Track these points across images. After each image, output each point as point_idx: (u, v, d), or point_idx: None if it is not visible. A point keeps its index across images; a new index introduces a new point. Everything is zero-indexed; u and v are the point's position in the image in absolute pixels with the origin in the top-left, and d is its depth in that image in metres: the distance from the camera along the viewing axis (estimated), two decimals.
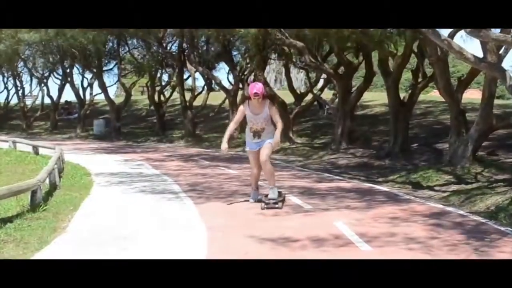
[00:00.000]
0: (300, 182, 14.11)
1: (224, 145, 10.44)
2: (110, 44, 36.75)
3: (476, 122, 15.01)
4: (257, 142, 10.23)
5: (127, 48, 37.65)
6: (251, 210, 9.79)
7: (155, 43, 32.93)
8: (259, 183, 10.84)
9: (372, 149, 20.72)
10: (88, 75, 43.13)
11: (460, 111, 15.84)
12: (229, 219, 9.00)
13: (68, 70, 43.04)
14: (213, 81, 33.82)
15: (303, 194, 11.81)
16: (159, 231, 8.24)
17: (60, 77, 44.94)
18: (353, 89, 24.15)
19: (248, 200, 10.72)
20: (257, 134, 10.20)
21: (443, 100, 18.31)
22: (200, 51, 31.67)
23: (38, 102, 50.26)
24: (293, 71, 31.81)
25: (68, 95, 48.20)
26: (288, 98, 28.37)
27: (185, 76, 36.77)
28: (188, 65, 33.26)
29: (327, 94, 33.12)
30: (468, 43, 42.04)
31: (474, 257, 6.52)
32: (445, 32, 15.17)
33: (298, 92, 31.03)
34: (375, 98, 32.49)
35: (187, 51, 32.36)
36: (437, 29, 12.83)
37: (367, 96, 27.82)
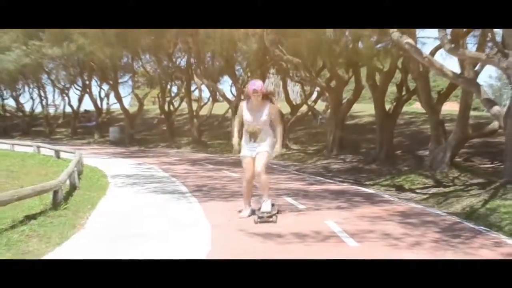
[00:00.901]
0: (295, 185, 14.14)
1: (235, 139, 9.05)
2: (125, 59, 36.76)
3: (454, 132, 15.08)
4: (253, 146, 8.73)
5: (140, 63, 37.67)
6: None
7: (166, 58, 32.96)
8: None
9: (360, 155, 20.76)
10: (105, 87, 43.26)
11: (439, 122, 15.91)
12: (230, 217, 9.03)
13: (87, 82, 43.10)
14: (217, 93, 33.85)
15: (298, 195, 11.83)
16: (168, 228, 8.26)
17: (80, 88, 44.95)
18: (344, 101, 24.22)
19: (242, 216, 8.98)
20: (253, 136, 8.72)
21: (424, 111, 18.35)
22: (206, 66, 31.68)
23: (60, 110, 50.37)
24: (290, 84, 31.79)
25: (87, 105, 48.14)
26: (285, 109, 28.37)
27: (192, 88, 36.82)
28: (195, 78, 33.35)
29: (320, 105, 33.14)
30: (447, 60, 42.12)
31: (450, 253, 6.56)
32: (426, 50, 15.27)
33: (294, 103, 31.05)
34: (363, 109, 32.52)
35: (194, 65, 32.40)
36: (419, 48, 12.91)
37: (356, 107, 27.85)
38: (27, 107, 52.53)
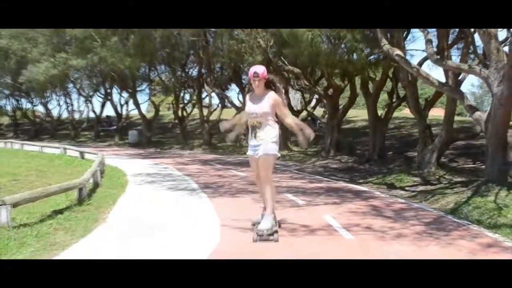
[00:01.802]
0: (295, 183, 14.15)
1: (226, 123, 7.51)
2: (143, 69, 36.82)
3: (439, 135, 15.08)
4: (255, 145, 6.90)
5: (156, 73, 37.74)
6: (256, 205, 9.84)
7: (179, 68, 33.01)
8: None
9: (355, 156, 20.75)
10: (125, 94, 43.29)
11: (426, 126, 15.90)
12: (237, 211, 9.05)
13: (108, 90, 43.23)
14: (225, 100, 33.87)
15: (298, 192, 11.85)
16: (181, 221, 8.30)
17: (102, 96, 45.10)
18: (340, 107, 24.21)
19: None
20: (253, 131, 6.94)
21: (413, 116, 18.34)
22: (215, 75, 31.73)
23: (84, 116, 50.51)
24: (291, 92, 31.77)
25: (109, 111, 48.27)
26: None
27: (203, 96, 36.84)
28: (205, 86, 33.36)
29: (319, 111, 33.19)
30: (433, 70, 42.03)
31: (434, 243, 6.58)
32: (414, 61, 15.27)
33: (295, 109, 31.06)
34: (358, 115, 32.52)
35: (205, 75, 32.44)
36: (408, 59, 12.92)
37: (351, 113, 27.83)
38: (55, 113, 52.73)
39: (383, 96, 23.69)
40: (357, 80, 22.12)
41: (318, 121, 29.87)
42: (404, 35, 16.49)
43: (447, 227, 7.69)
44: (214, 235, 7.03)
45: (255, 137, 6.93)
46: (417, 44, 60.38)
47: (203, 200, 10.61)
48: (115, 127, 43.84)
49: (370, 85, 20.78)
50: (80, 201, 9.77)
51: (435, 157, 14.54)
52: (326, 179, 15.68)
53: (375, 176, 15.63)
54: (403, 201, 10.88)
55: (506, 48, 10.78)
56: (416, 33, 16.68)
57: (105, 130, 46.51)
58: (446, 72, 13.50)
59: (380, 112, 21.16)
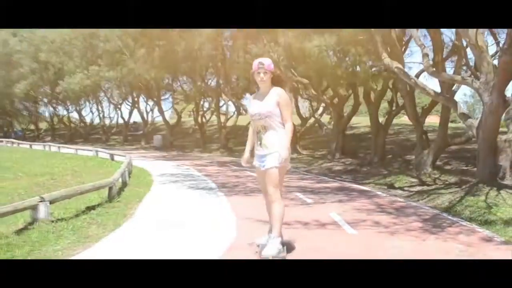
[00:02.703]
0: (304, 183, 14.14)
1: (246, 154, 5.68)
2: (167, 80, 36.99)
3: (435, 140, 15.02)
4: (261, 155, 5.33)
5: (179, 83, 37.91)
6: None
7: (199, 79, 33.12)
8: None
9: (358, 159, 20.67)
10: (150, 103, 43.54)
11: (423, 132, 15.83)
12: (250, 208, 9.06)
13: (136, 99, 43.49)
14: (241, 108, 33.93)
15: (306, 192, 11.84)
16: (201, 216, 8.33)
17: (130, 104, 45.36)
18: (344, 114, 24.16)
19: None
20: (258, 136, 5.36)
21: (411, 123, 18.24)
22: (232, 85, 31.78)
23: (113, 122, 50.87)
24: (300, 101, 31.75)
25: (136, 117, 48.47)
26: (296, 121, 28.41)
27: (220, 104, 36.95)
28: (223, 95, 33.47)
29: (325, 118, 33.13)
30: (429, 81, 41.81)
31: (432, 237, 6.55)
32: (412, 72, 15.20)
33: (304, 116, 31.06)
34: (361, 121, 32.39)
35: (222, 85, 32.52)
36: (406, 71, 12.87)
37: (354, 120, 27.72)
38: (88, 119, 53.20)
39: (384, 105, 23.59)
40: (360, 90, 22.06)
41: (325, 127, 29.79)
42: (402, 49, 16.44)
43: (442, 224, 7.65)
44: (231, 230, 7.04)
45: (260, 144, 5.29)
46: (415, 57, 60.06)
47: (220, 199, 10.63)
48: (141, 132, 44.07)
49: (372, 95, 20.71)
50: (110, 199, 9.85)
51: (431, 160, 14.46)
52: (331, 179, 15.64)
53: (376, 177, 15.57)
54: (402, 200, 10.83)
55: (495, 61, 10.74)
56: (414, 47, 16.64)
57: (132, 135, 46.78)
58: (441, 82, 13.43)
59: (381, 119, 21.11)
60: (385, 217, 8.29)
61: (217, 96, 34.20)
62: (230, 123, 35.36)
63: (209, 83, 34.69)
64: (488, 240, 6.53)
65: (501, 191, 9.47)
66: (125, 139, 44.57)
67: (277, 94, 5.24)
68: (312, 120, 30.59)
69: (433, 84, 76.57)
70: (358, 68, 18.69)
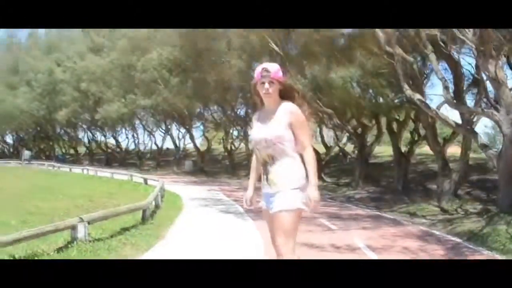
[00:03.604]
0: (329, 209, 14.03)
1: (249, 192, 4.01)
2: (198, 109, 37.44)
3: (457, 170, 14.79)
4: (268, 193, 3.70)
5: (210, 112, 38.33)
6: None
7: (229, 109, 33.45)
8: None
9: (381, 187, 20.46)
10: (182, 130, 44.03)
11: (445, 161, 15.61)
12: None
13: (169, 126, 44.07)
14: None
15: (331, 218, 11.76)
16: (230, 239, 8.35)
17: (163, 131, 45.97)
18: (368, 143, 24.03)
19: None
20: (265, 168, 3.71)
21: (432, 153, 18.04)
22: None
23: (147, 148, 51.52)
24: (325, 130, 31.73)
25: (168, 143, 48.99)
26: (321, 149, 28.37)
27: (249, 132, 37.11)
28: (251, 124, 33.68)
29: (349, 147, 32.94)
30: (450, 113, 41.27)
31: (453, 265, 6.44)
32: (434, 104, 15.11)
33: (328, 145, 30.97)
34: (383, 151, 32.03)
35: (251, 114, 32.74)
36: (427, 103, 12.81)
37: (377, 149, 27.50)
38: (123, 145, 53.97)
39: (406, 135, 23.36)
40: (383, 120, 21.96)
41: (349, 156, 29.64)
42: (423, 81, 16.38)
43: (464, 253, 7.51)
44: (259, 253, 7.04)
45: (267, 180, 3.66)
46: (436, 89, 59.52)
47: (248, 222, 10.64)
48: (173, 158, 44.50)
49: (395, 125, 20.61)
50: (144, 221, 9.95)
51: (453, 189, 14.24)
52: (355, 207, 15.51)
53: (399, 205, 15.37)
54: (423, 228, 10.67)
55: None
56: (435, 79, 16.58)
57: (165, 160, 47.24)
58: (462, 114, 13.31)
59: (404, 148, 20.92)
60: (407, 244, 8.18)
61: (246, 125, 34.41)
62: None
63: (238, 113, 34.97)
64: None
65: None
66: (158, 164, 45.00)
67: (289, 111, 3.54)
68: (336, 149, 30.48)
69: (454, 115, 75.38)
70: (381, 99, 18.67)
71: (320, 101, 21.24)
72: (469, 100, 15.85)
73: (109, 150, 54.17)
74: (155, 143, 47.93)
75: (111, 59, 34.23)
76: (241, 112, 35.46)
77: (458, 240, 8.90)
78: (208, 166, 40.02)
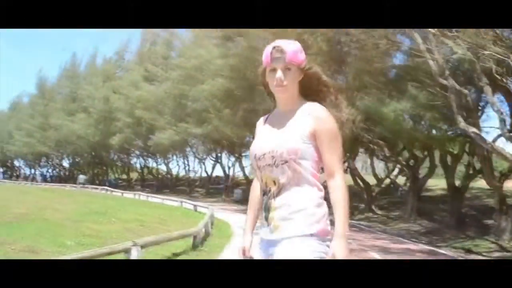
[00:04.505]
0: (379, 242, 13.83)
1: (245, 240, 2.71)
2: (248, 138, 37.80)
3: None
4: (269, 240, 2.37)
5: None
6: None
7: None
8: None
9: (434, 222, 19.95)
10: (232, 158, 44.51)
11: (502, 196, 15.13)
12: None
13: (219, 154, 44.68)
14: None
15: (381, 251, 11.60)
16: None
17: (213, 159, 46.60)
18: (420, 176, 23.56)
19: None
20: (265, 202, 2.32)
21: (488, 187, 17.50)
22: None
23: (197, 175, 52.28)
24: (375, 161, 31.36)
25: (218, 171, 49.55)
26: (371, 181, 28.05)
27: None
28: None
29: (401, 179, 32.32)
30: (507, 145, 39.84)
31: None
32: (489, 137, 14.73)
33: (379, 177, 30.53)
34: (437, 184, 31.25)
35: None
36: (483, 136, 12.54)
37: (430, 182, 26.88)
38: (174, 171, 55.04)
39: (460, 168, 22.77)
40: (436, 153, 21.55)
41: (400, 188, 29.11)
42: (478, 114, 16.05)
43: None
44: None
45: (266, 218, 2.39)
46: (492, 122, 57.67)
47: None
48: (223, 185, 44.91)
49: (449, 158, 20.17)
50: (194, 247, 10.14)
51: (511, 225, 13.74)
52: (407, 240, 15.18)
53: (453, 240, 14.96)
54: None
55: None
56: (490, 112, 16.18)
57: (214, 188, 47.71)
58: None
59: (458, 182, 20.39)
60: None
61: None
62: None
63: None
64: None
65: None
66: (207, 192, 45.51)
67: (314, 115, 2.31)
68: (387, 180, 30.00)
69: (511, 148, 72.83)
70: (434, 132, 18.39)
71: (371, 132, 21.15)
72: None
73: (160, 176, 55.32)
74: (205, 171, 48.64)
75: (164, 88, 35.41)
76: None
77: None
78: None
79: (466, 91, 12.99)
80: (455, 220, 17.99)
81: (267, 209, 2.32)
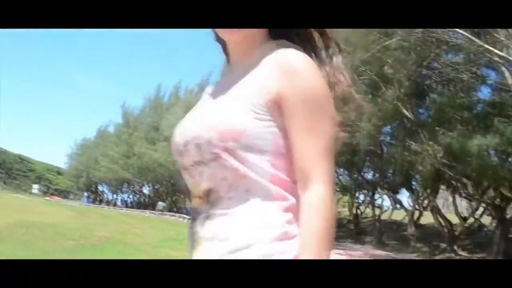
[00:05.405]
0: None
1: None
2: None
3: None
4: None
5: (336, 174, 38.39)
6: None
7: (356, 172, 33.25)
8: None
9: None
10: None
11: None
12: None
13: None
14: (396, 202, 33.07)
15: None
16: None
17: None
18: (508, 216, 22.28)
19: None
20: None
21: None
22: (388, 180, 31.32)
23: None
24: (458, 199, 30.10)
25: None
26: (454, 220, 26.91)
27: (375, 197, 36.39)
28: (378, 189, 33.05)
29: (486, 219, 30.71)
30: None
31: None
32: None
33: (462, 215, 29.20)
34: None
35: (378, 179, 32.18)
36: None
37: None
38: None
39: None
40: None
41: (485, 229, 27.63)
42: None
43: None
44: None
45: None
46: None
47: None
48: None
49: None
50: None
51: None
52: None
53: None
54: None
55: None
56: None
57: None
58: None
59: None
60: None
61: (373, 190, 33.85)
62: (384, 216, 34.46)
63: (365, 176, 34.60)
64: None
65: None
66: None
67: (281, 66, 1.17)
68: (471, 220, 28.58)
69: None
70: None
71: (453, 168, 20.41)
72: None
73: None
74: None
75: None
76: (368, 176, 35.11)
77: None
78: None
79: None
80: None
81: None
